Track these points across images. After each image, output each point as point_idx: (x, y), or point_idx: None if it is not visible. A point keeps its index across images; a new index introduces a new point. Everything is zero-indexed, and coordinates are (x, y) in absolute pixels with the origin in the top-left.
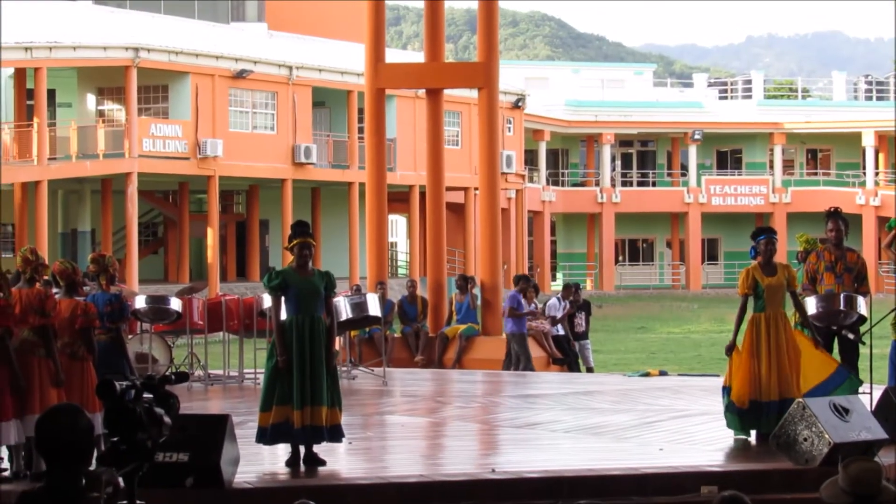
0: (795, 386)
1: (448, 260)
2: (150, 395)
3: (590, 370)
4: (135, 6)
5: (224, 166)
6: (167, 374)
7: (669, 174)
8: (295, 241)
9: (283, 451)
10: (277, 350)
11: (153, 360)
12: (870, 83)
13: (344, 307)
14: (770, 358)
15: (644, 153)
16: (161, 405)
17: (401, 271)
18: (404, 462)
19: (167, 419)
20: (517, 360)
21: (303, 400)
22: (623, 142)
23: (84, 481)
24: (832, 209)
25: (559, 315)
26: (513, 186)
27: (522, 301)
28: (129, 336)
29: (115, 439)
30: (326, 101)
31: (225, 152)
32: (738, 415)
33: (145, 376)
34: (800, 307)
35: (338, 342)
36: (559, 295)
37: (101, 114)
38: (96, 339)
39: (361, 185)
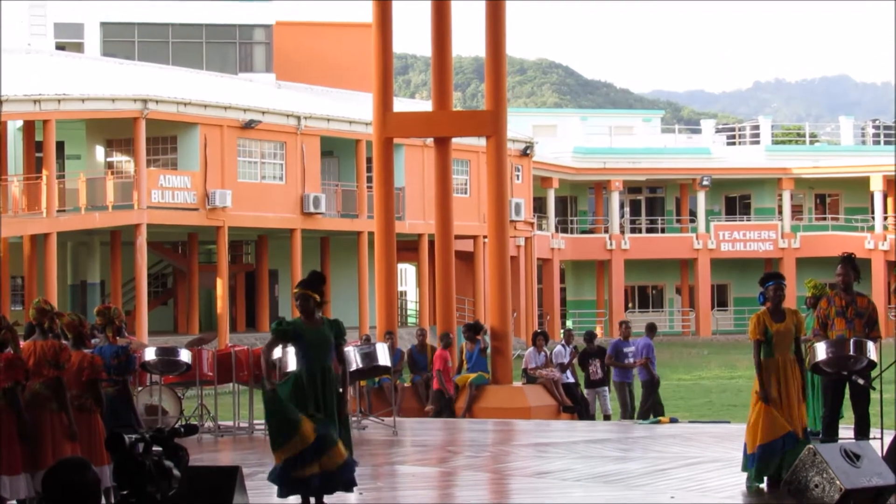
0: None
1: (458, 308)
2: (160, 448)
3: (607, 417)
4: (143, 57)
5: (233, 217)
6: (176, 426)
7: (678, 220)
8: (296, 291)
9: (293, 501)
10: (272, 381)
11: (163, 411)
12: (877, 127)
13: (354, 357)
14: (780, 403)
15: (653, 200)
16: (170, 458)
17: (410, 320)
18: None
19: (176, 472)
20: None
21: (317, 451)
22: (632, 188)
23: None
24: (845, 254)
25: (566, 361)
26: (522, 234)
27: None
28: (139, 388)
29: (125, 493)
30: (335, 150)
31: (234, 202)
32: (752, 461)
33: (154, 429)
34: (800, 354)
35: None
36: (563, 342)
37: (109, 165)
38: (103, 392)
39: (370, 233)
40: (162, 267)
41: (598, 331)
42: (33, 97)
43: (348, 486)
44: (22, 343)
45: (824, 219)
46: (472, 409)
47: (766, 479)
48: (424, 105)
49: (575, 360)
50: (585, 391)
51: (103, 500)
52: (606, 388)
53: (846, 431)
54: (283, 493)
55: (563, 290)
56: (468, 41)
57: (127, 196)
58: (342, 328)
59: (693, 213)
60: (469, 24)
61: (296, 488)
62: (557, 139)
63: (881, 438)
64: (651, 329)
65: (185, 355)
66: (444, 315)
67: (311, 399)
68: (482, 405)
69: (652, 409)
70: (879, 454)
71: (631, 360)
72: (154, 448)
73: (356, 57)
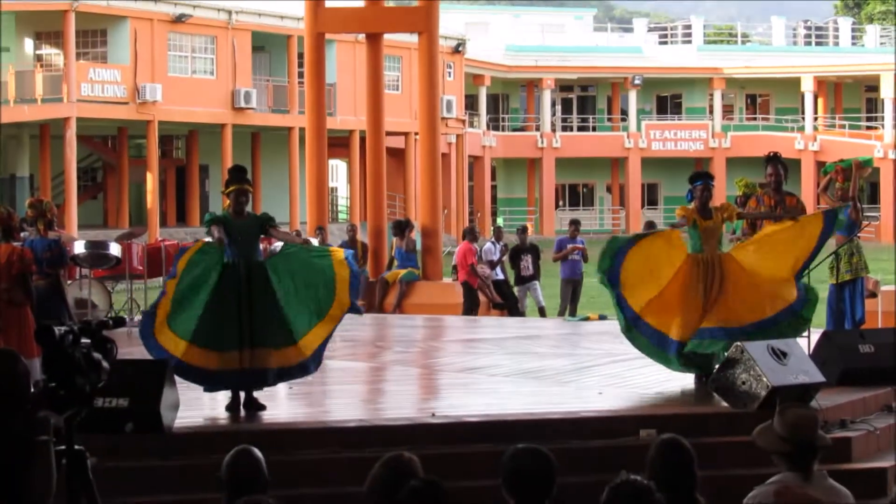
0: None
1: (388, 205)
2: (88, 341)
3: (541, 310)
4: None
5: (163, 111)
6: (105, 318)
7: (609, 119)
8: (231, 188)
9: (223, 395)
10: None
11: (92, 305)
12: (809, 28)
13: None
14: (705, 299)
15: (584, 98)
16: (98, 350)
17: (341, 216)
18: (345, 407)
19: (105, 364)
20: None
21: (241, 342)
22: (563, 87)
23: (31, 425)
24: (772, 154)
25: (496, 258)
26: (453, 131)
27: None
28: (69, 281)
29: (54, 384)
30: (266, 45)
31: (164, 97)
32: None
33: (82, 321)
34: (755, 216)
35: None
36: (492, 239)
37: (39, 58)
38: (34, 285)
39: (302, 129)
40: (92, 161)
41: (529, 228)
42: None
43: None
44: None
45: (755, 119)
46: (403, 305)
47: (693, 374)
48: (357, 1)
49: (505, 258)
50: (516, 288)
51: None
52: (537, 282)
53: None
54: (208, 388)
55: (493, 187)
56: None
57: (56, 89)
58: (269, 217)
59: (624, 112)
60: None
61: (223, 383)
62: (489, 36)
63: (808, 337)
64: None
65: (114, 249)
66: (374, 211)
67: (233, 294)
68: (412, 301)
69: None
70: (806, 352)
71: (577, 256)
72: (82, 340)
73: None
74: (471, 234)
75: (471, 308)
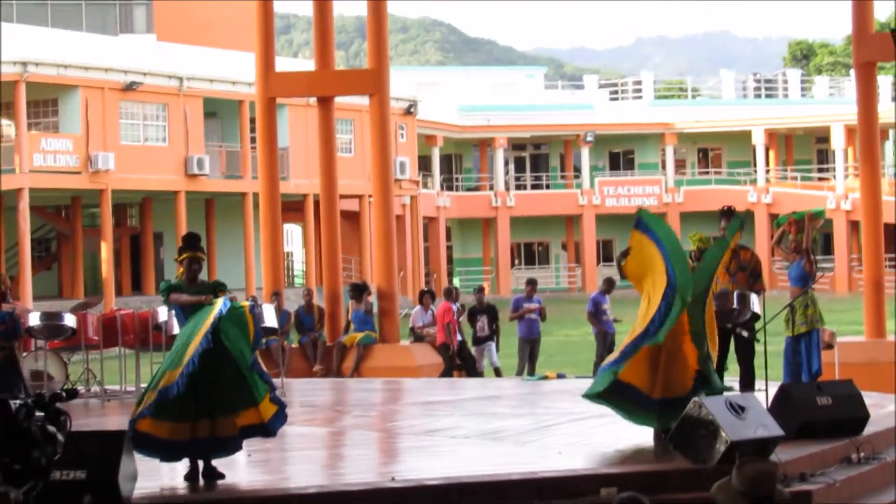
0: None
1: (344, 268)
2: (42, 413)
3: (497, 370)
4: (22, 19)
5: (116, 179)
6: (58, 391)
7: (563, 177)
8: (184, 255)
9: (181, 465)
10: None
11: (49, 377)
12: (758, 81)
13: None
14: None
15: (537, 156)
16: (53, 423)
17: (297, 281)
18: (304, 473)
19: (60, 437)
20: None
21: (197, 413)
22: (516, 145)
23: None
24: (725, 207)
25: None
26: (407, 193)
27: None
28: (24, 353)
29: (8, 459)
30: (218, 111)
31: (117, 165)
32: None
33: (36, 394)
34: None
35: None
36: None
37: None
38: None
39: (255, 195)
40: (45, 231)
41: (486, 288)
42: None
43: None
44: None
45: (707, 173)
46: (360, 368)
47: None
48: (307, 64)
49: (463, 318)
50: (473, 348)
51: None
52: (493, 344)
53: (731, 384)
54: (166, 458)
55: (449, 248)
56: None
57: (8, 160)
58: (221, 285)
59: (577, 169)
60: None
61: (181, 453)
62: (441, 97)
63: (766, 390)
64: (450, 292)
65: (69, 320)
66: (330, 275)
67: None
68: (370, 364)
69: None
70: (764, 406)
71: (534, 315)
72: (36, 413)
73: (238, 17)
74: (449, 294)
75: (450, 370)
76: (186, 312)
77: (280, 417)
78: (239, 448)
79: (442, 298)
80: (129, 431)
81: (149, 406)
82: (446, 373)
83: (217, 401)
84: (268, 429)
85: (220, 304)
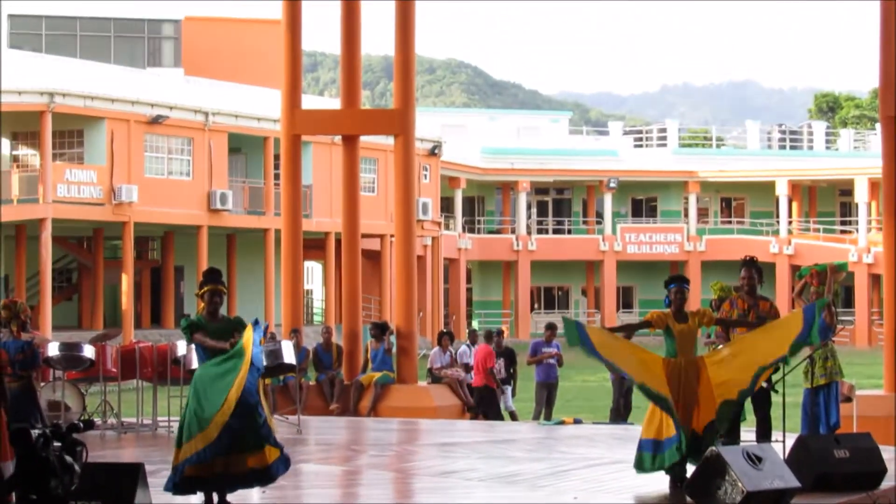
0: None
1: (363, 307)
2: (59, 444)
3: (512, 414)
4: (50, 50)
5: (139, 212)
6: (75, 422)
7: (585, 222)
8: (205, 289)
9: (196, 499)
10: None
11: (66, 407)
12: (783, 132)
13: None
14: (678, 404)
15: (560, 201)
16: (69, 453)
17: (316, 318)
18: None
19: (77, 467)
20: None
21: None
22: (539, 189)
23: None
24: (747, 258)
25: (471, 361)
26: (429, 234)
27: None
28: (42, 383)
29: (26, 488)
30: (243, 147)
31: (140, 198)
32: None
33: (53, 424)
34: (732, 323)
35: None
36: (467, 342)
37: (15, 159)
38: (7, 386)
39: (277, 231)
40: (67, 262)
41: (505, 331)
42: None
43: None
44: None
45: (730, 222)
46: (377, 408)
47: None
48: (333, 103)
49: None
50: None
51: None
52: (508, 387)
53: (748, 434)
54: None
55: (469, 290)
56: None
57: (32, 190)
58: (242, 322)
59: (599, 215)
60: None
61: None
62: (465, 139)
63: (783, 441)
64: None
65: (88, 351)
66: (349, 314)
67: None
68: (387, 404)
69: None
70: (781, 457)
71: (552, 360)
72: (54, 444)
73: (265, 53)
74: (489, 338)
75: (487, 413)
76: (208, 352)
77: (283, 461)
78: (249, 486)
79: (481, 341)
80: (176, 477)
81: (196, 454)
82: (484, 416)
83: (234, 441)
84: (271, 473)
85: (251, 352)
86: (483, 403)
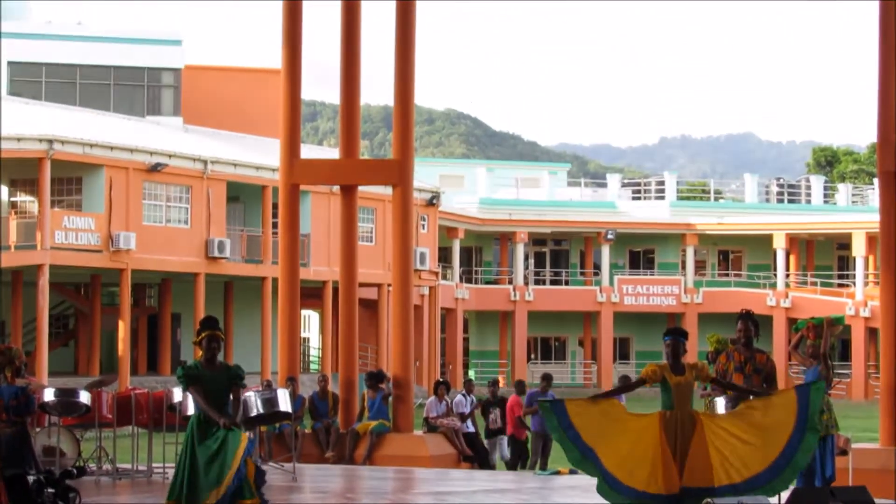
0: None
1: (360, 356)
2: (52, 490)
3: (507, 464)
4: (50, 97)
5: (137, 259)
6: (69, 468)
7: (582, 273)
8: (203, 335)
9: None
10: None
11: (61, 453)
12: (781, 186)
13: (254, 402)
14: (676, 456)
15: (557, 252)
16: (62, 499)
17: (313, 367)
18: None
19: None
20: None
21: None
22: (536, 240)
23: None
24: (744, 311)
25: (466, 411)
26: (426, 283)
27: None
28: (37, 429)
29: None
30: (241, 195)
31: (138, 245)
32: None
33: (46, 470)
34: (727, 385)
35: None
36: (463, 392)
37: (13, 205)
38: (1, 432)
39: (275, 280)
40: (64, 308)
41: (501, 381)
42: None
43: None
44: None
45: (727, 275)
46: (373, 456)
47: None
48: (332, 153)
49: (477, 410)
50: (485, 440)
51: None
52: (505, 437)
53: None
54: None
55: (465, 339)
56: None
57: (30, 236)
58: (239, 371)
59: (597, 267)
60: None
61: None
62: (464, 190)
63: (778, 494)
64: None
65: (84, 397)
66: (346, 362)
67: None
68: (383, 453)
69: None
70: None
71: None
72: (47, 490)
73: (264, 103)
74: (519, 387)
75: (516, 463)
76: (203, 395)
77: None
78: None
79: (513, 390)
80: None
81: None
82: (512, 466)
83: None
84: None
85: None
86: (515, 453)
